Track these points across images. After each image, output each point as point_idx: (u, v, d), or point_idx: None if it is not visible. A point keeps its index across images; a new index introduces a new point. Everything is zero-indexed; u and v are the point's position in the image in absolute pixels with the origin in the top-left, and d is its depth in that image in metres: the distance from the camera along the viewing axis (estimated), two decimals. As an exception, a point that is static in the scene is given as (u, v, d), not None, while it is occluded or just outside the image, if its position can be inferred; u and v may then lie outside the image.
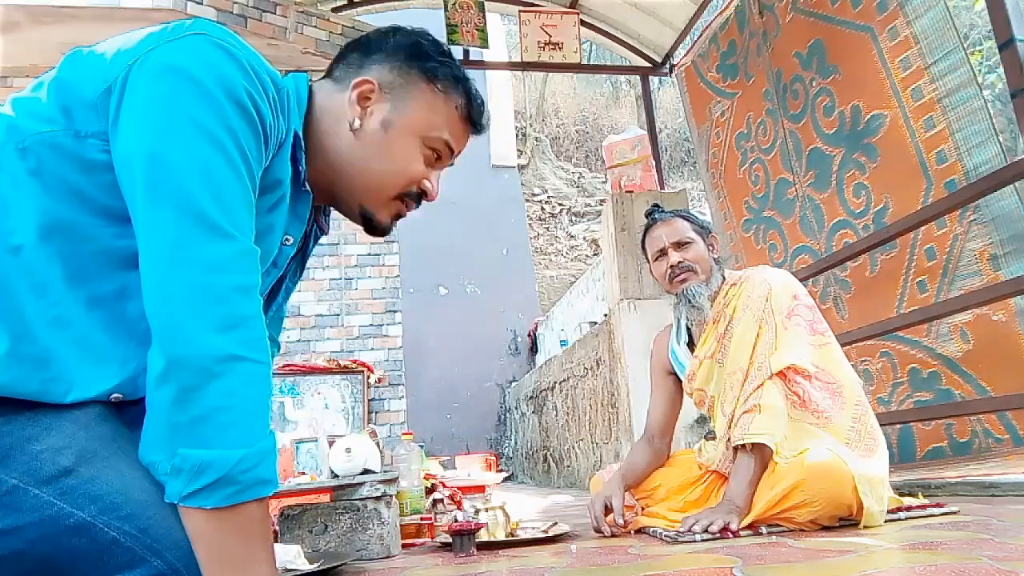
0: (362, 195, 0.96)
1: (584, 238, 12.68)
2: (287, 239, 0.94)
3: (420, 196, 0.99)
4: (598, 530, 1.75)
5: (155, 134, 0.73)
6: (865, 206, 3.06)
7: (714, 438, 1.84)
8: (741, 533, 1.50)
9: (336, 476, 1.82)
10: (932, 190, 2.69)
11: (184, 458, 0.69)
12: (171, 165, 0.72)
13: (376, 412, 4.38)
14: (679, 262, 1.83)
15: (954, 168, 2.59)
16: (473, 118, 1.00)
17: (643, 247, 1.97)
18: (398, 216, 1.00)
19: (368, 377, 4.30)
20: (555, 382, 5.75)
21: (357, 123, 0.93)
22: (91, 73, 0.78)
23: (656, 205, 2.02)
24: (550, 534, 1.76)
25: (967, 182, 2.50)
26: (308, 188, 0.93)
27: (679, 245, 1.85)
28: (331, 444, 1.91)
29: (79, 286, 0.75)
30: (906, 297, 2.85)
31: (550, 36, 4.35)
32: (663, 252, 1.87)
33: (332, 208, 1.04)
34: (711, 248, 1.89)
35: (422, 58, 0.96)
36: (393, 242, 4.75)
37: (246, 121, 0.78)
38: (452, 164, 1.03)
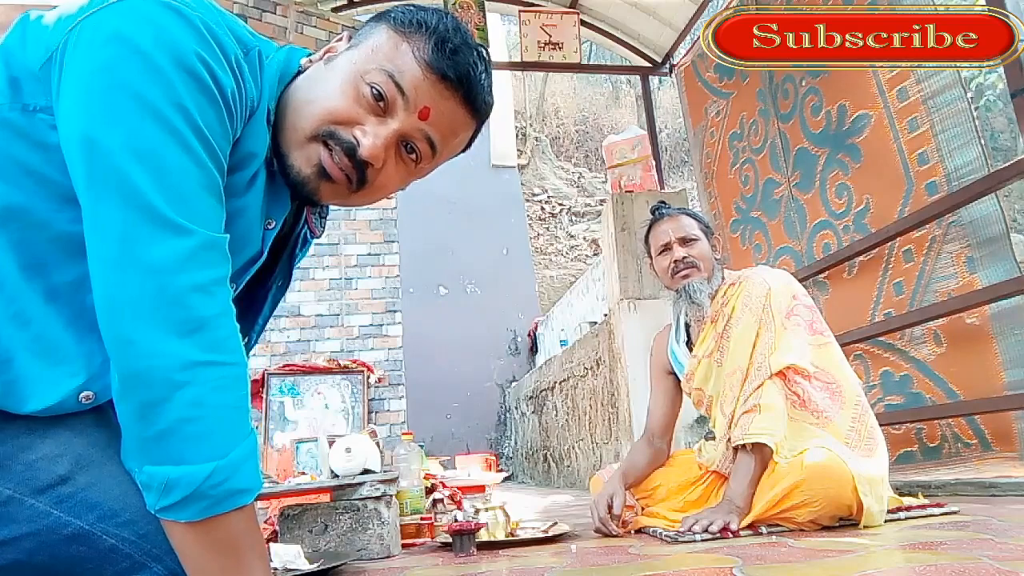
0: (283, 137, 0.80)
1: (584, 238, 12.68)
2: (269, 222, 0.83)
3: (351, 148, 0.78)
4: (601, 531, 1.74)
5: (92, 115, 0.65)
6: (846, 207, 3.06)
7: (714, 438, 1.84)
8: (741, 533, 1.50)
9: (336, 476, 1.82)
10: (913, 191, 2.69)
11: (150, 475, 0.65)
12: (110, 152, 0.64)
13: (376, 412, 4.38)
14: (683, 257, 1.83)
15: (935, 170, 2.59)
16: (435, 65, 0.79)
17: (646, 241, 1.96)
18: (322, 172, 0.79)
19: (368, 377, 4.30)
20: (555, 382, 5.74)
21: (306, 62, 0.83)
22: (35, 40, 0.70)
23: (663, 202, 2.01)
24: (550, 534, 1.76)
25: (948, 184, 2.51)
26: (276, 167, 0.81)
27: (684, 241, 1.85)
28: (331, 444, 1.91)
29: (35, 277, 0.69)
30: (882, 299, 2.85)
31: (550, 36, 4.35)
32: (667, 247, 1.87)
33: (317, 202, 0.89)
34: (713, 248, 1.90)
35: (396, 10, 0.83)
36: (393, 242, 4.75)
37: (201, 92, 0.68)
38: (429, 130, 0.82)
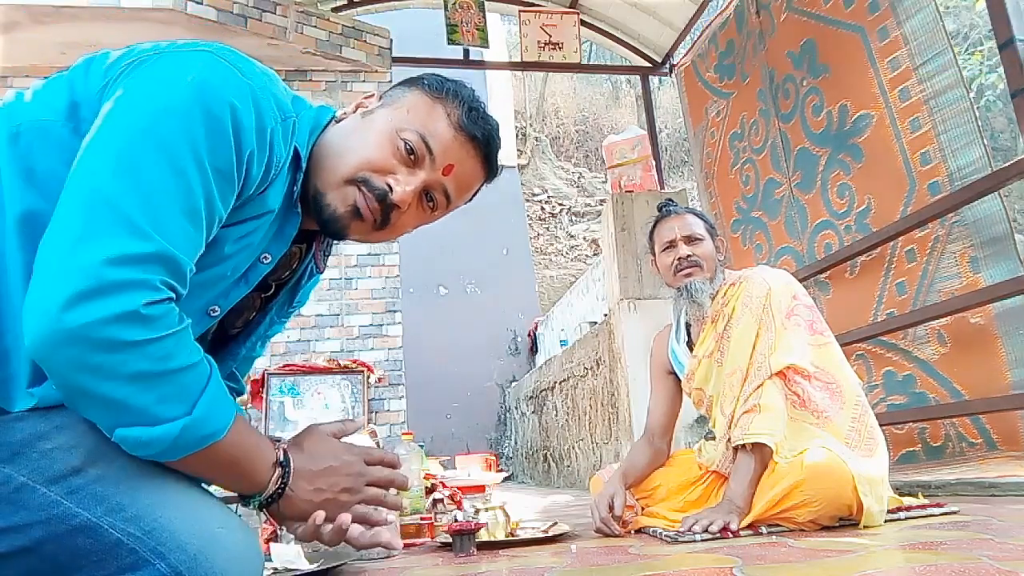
0: (319, 178, 0.89)
1: (584, 238, 12.67)
2: (265, 257, 0.90)
3: (383, 194, 0.88)
4: (602, 531, 1.74)
5: (105, 133, 0.71)
6: (848, 207, 3.06)
7: (714, 438, 1.84)
8: (741, 533, 1.50)
9: (336, 476, 1.81)
10: (915, 191, 2.68)
11: (122, 438, 0.69)
12: (102, 164, 0.69)
13: (376, 412, 4.38)
14: (688, 255, 1.83)
15: (938, 170, 2.59)
16: (466, 127, 0.91)
17: (651, 238, 1.96)
18: (355, 212, 0.88)
19: (368, 377, 4.30)
20: (555, 382, 5.75)
21: (341, 114, 0.94)
22: (97, 72, 0.78)
23: (670, 199, 2.01)
24: (550, 534, 1.75)
25: (950, 184, 2.51)
26: (299, 210, 0.90)
27: (689, 239, 1.85)
28: (331, 444, 1.91)
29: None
30: (885, 299, 2.84)
31: (550, 36, 4.36)
32: (672, 244, 1.87)
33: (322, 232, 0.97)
34: (717, 249, 1.90)
35: (427, 77, 0.95)
36: (393, 242, 4.75)
37: (219, 137, 0.74)
38: (448, 184, 0.92)
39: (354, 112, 0.95)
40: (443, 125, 0.91)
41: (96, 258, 0.65)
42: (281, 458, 0.81)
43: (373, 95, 0.96)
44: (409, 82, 0.95)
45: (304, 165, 0.88)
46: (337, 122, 0.94)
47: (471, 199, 1.02)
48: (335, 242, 1.04)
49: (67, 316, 0.63)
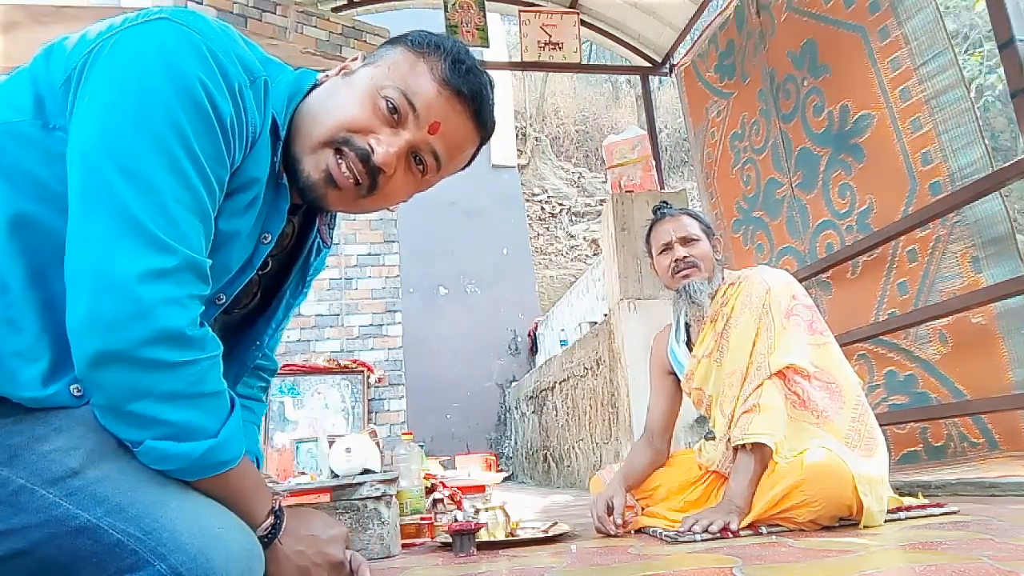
0: (297, 145, 0.85)
1: (584, 238, 12.67)
2: (265, 237, 0.87)
3: (365, 154, 0.83)
4: (601, 530, 1.74)
5: (94, 133, 0.70)
6: (849, 207, 3.06)
7: (714, 438, 1.84)
8: (741, 533, 1.49)
9: (336, 476, 1.82)
10: (917, 191, 2.69)
11: (150, 449, 0.72)
12: (104, 168, 0.69)
13: (376, 412, 4.38)
14: (684, 256, 1.83)
15: (939, 170, 2.59)
16: (451, 81, 0.85)
17: (647, 241, 1.97)
18: (329, 178, 0.84)
19: (368, 377, 4.30)
20: (555, 382, 5.74)
21: (322, 77, 0.90)
22: (57, 62, 0.76)
23: (664, 202, 2.01)
24: (550, 534, 1.75)
25: (951, 184, 2.51)
26: (286, 181, 0.86)
27: (685, 241, 1.85)
28: (331, 444, 1.91)
29: (38, 285, 0.72)
30: (886, 299, 2.84)
31: (550, 36, 4.35)
32: (668, 246, 1.87)
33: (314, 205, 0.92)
34: (714, 249, 1.90)
35: (412, 33, 0.90)
36: (393, 242, 4.75)
37: (198, 116, 0.72)
38: (437, 144, 0.87)
39: (336, 75, 0.91)
40: (426, 80, 0.85)
41: (126, 276, 0.67)
42: (277, 507, 0.83)
43: (357, 57, 0.92)
44: (394, 40, 0.91)
45: (283, 133, 0.84)
46: (318, 86, 0.90)
47: (468, 164, 0.96)
48: (337, 215, 1.02)
49: (112, 337, 0.67)
